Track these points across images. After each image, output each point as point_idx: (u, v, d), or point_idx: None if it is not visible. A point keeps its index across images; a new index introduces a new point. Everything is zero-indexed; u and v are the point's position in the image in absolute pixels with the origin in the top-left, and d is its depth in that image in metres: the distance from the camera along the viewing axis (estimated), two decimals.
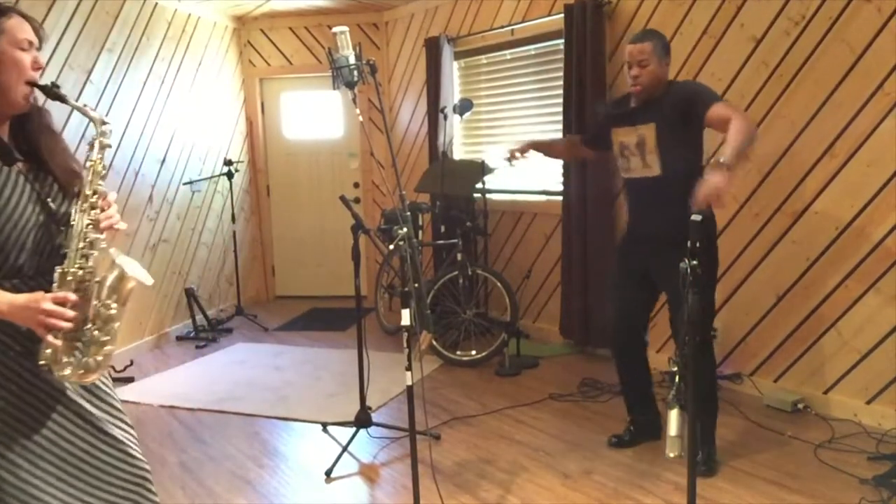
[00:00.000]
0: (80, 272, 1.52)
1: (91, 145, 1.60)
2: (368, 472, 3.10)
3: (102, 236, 1.56)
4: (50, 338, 1.45)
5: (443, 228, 5.02)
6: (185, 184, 5.44)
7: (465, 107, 4.78)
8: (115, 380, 4.14)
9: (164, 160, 5.23)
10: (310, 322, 5.77)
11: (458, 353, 4.51)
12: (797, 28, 3.41)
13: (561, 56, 4.49)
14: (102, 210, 1.57)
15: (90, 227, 1.54)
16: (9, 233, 1.48)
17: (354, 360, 3.45)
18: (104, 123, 1.64)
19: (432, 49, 5.36)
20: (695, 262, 2.04)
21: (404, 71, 6.01)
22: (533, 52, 4.90)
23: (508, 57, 5.08)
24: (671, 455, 2.37)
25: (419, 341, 2.47)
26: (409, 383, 2.38)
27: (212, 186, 5.80)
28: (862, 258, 3.28)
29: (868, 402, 3.31)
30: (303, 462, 3.22)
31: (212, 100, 5.82)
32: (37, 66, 1.55)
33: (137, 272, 1.59)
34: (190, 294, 5.29)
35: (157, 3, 5.12)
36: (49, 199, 1.56)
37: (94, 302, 1.53)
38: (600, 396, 3.81)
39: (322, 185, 6.42)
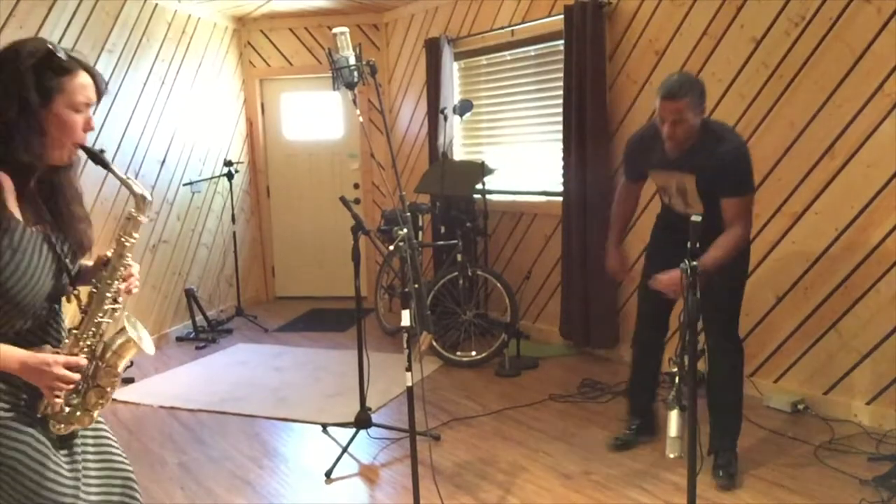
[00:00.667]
0: (94, 339, 1.55)
1: (129, 219, 1.58)
2: (368, 473, 3.10)
3: (120, 306, 1.58)
4: (52, 398, 1.46)
5: (443, 229, 5.02)
6: (185, 184, 5.44)
7: (465, 107, 4.79)
8: None
9: (164, 161, 5.23)
10: (310, 323, 5.77)
11: (458, 353, 4.51)
12: (797, 29, 3.41)
13: (561, 57, 4.49)
14: (125, 280, 1.59)
15: (112, 299, 1.56)
16: (30, 297, 1.46)
17: (354, 360, 3.45)
18: (145, 200, 1.61)
19: (432, 50, 5.36)
20: (694, 263, 2.05)
21: (404, 72, 6.01)
22: (533, 53, 4.91)
23: (508, 58, 5.08)
24: (671, 456, 2.38)
25: (419, 342, 2.47)
26: (409, 384, 2.38)
27: (212, 187, 5.80)
28: (862, 259, 3.28)
29: (868, 403, 3.31)
30: (303, 463, 3.22)
31: (212, 100, 5.82)
32: (88, 128, 1.51)
33: (144, 340, 1.62)
34: (190, 295, 5.28)
35: (157, 4, 5.12)
36: (67, 261, 1.55)
37: (99, 362, 1.56)
38: (600, 397, 3.81)
39: (322, 186, 6.42)
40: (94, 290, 1.57)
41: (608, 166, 4.31)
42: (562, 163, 4.53)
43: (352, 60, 2.71)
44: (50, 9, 4.22)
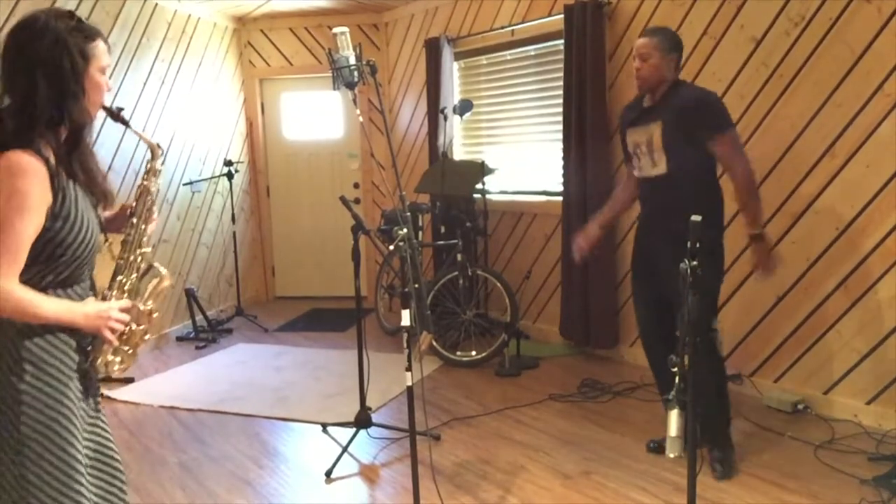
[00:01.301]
0: (134, 281, 1.71)
1: (147, 171, 1.77)
2: (368, 473, 3.10)
3: (149, 249, 1.76)
4: (111, 339, 1.61)
5: (443, 229, 5.02)
6: (185, 184, 5.44)
7: (465, 107, 4.79)
8: (114, 380, 4.14)
9: (163, 160, 5.21)
10: (310, 322, 5.77)
11: (458, 353, 4.51)
12: (797, 29, 3.41)
13: (561, 56, 4.49)
14: (148, 223, 1.77)
15: (142, 243, 1.74)
16: (88, 251, 1.61)
17: (354, 360, 3.45)
18: (159, 148, 1.81)
19: (432, 50, 5.36)
20: (694, 263, 2.04)
21: (404, 71, 6.01)
22: (533, 53, 4.91)
23: (508, 57, 5.08)
24: (671, 455, 2.37)
25: (419, 342, 2.47)
26: (409, 384, 2.38)
27: (212, 187, 5.80)
28: (862, 258, 3.28)
29: (868, 403, 3.31)
30: (303, 463, 3.22)
31: (212, 100, 5.82)
32: (108, 89, 1.65)
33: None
34: (190, 294, 5.28)
35: (157, 4, 5.12)
36: (100, 217, 1.69)
37: (140, 305, 1.72)
38: (600, 397, 3.81)
39: (322, 186, 6.42)
40: (128, 236, 1.73)
41: (608, 166, 4.31)
42: (562, 163, 4.53)
43: (352, 60, 2.71)
44: None
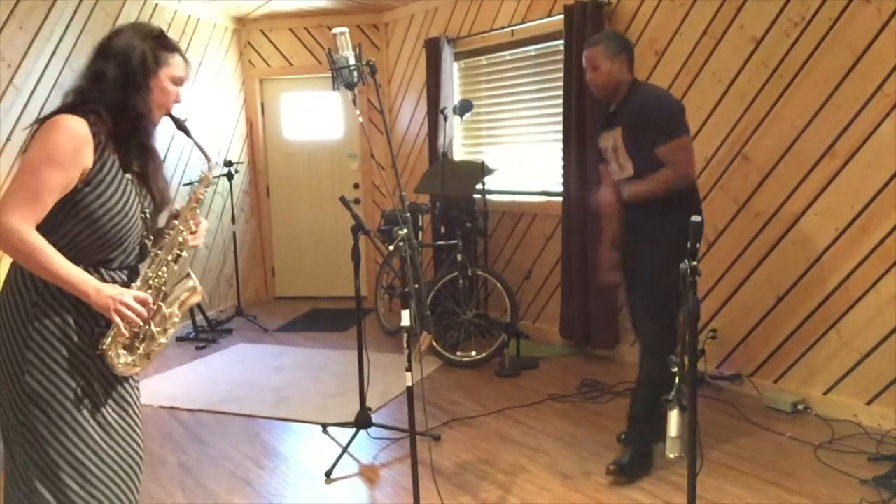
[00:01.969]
0: (161, 279, 1.76)
1: (200, 180, 1.88)
2: (368, 473, 3.10)
3: (186, 255, 1.82)
4: (122, 326, 1.63)
5: (443, 229, 5.02)
6: (185, 185, 5.44)
7: (465, 107, 4.79)
8: None
9: (164, 161, 5.21)
10: (310, 323, 5.77)
11: (458, 353, 4.51)
12: (797, 29, 3.41)
13: (561, 57, 4.49)
14: (193, 232, 1.84)
15: (181, 245, 1.80)
16: (118, 231, 1.67)
17: (354, 360, 3.45)
18: (212, 161, 1.94)
19: (432, 50, 5.36)
20: (694, 263, 2.04)
21: (404, 72, 6.01)
22: (533, 53, 4.91)
23: (508, 58, 5.08)
24: (671, 456, 2.37)
25: (419, 342, 2.47)
26: (409, 384, 2.38)
27: (212, 187, 5.80)
28: (862, 259, 3.28)
29: (868, 403, 3.31)
30: (303, 463, 3.22)
31: (212, 100, 5.82)
32: (177, 101, 1.79)
33: (199, 289, 1.85)
34: None
35: (157, 4, 5.12)
36: (146, 212, 1.77)
37: (163, 307, 1.76)
38: (600, 397, 3.81)
39: (322, 186, 6.42)
40: (167, 236, 1.80)
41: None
42: (562, 163, 4.53)
43: (352, 60, 2.71)
44: (50, 9, 4.22)
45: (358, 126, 6.25)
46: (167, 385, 4.28)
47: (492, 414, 3.65)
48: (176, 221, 1.82)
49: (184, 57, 1.78)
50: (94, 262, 1.66)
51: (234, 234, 5.84)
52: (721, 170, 3.80)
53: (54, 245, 1.58)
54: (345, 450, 3.23)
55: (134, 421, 1.83)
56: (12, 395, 1.63)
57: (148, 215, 1.78)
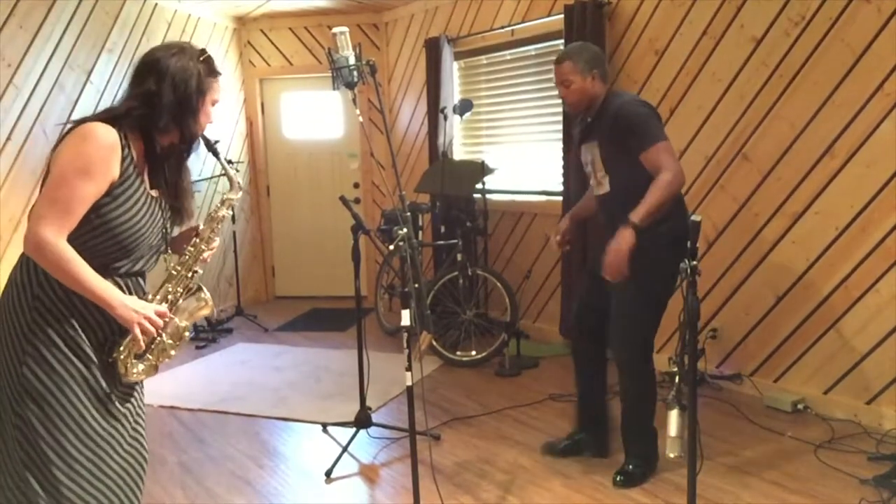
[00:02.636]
0: (177, 294, 1.81)
1: (222, 201, 1.91)
2: (368, 473, 3.10)
3: (201, 272, 1.87)
4: (140, 337, 1.67)
5: (443, 229, 5.02)
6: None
7: (465, 107, 4.78)
8: None
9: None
10: (310, 322, 5.77)
11: (458, 353, 4.51)
12: (797, 28, 3.41)
13: None
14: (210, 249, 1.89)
15: (199, 261, 1.86)
16: (128, 242, 1.69)
17: (354, 360, 3.45)
18: (239, 185, 1.97)
19: (432, 49, 5.36)
20: (694, 263, 2.04)
21: (404, 71, 6.01)
22: (533, 53, 4.91)
23: (508, 57, 5.08)
24: (671, 455, 2.37)
25: (419, 342, 2.47)
26: (409, 384, 2.38)
27: (212, 187, 5.80)
28: (862, 258, 3.28)
29: (868, 403, 3.31)
30: (303, 462, 3.22)
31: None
32: (210, 122, 1.82)
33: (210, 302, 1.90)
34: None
35: (157, 4, 5.12)
36: (167, 228, 1.82)
37: (175, 319, 1.80)
38: None
39: (322, 186, 6.42)
40: (188, 253, 1.85)
41: None
42: (562, 162, 4.53)
43: (352, 60, 2.71)
44: (50, 9, 4.22)
45: (358, 126, 6.24)
46: (167, 385, 4.28)
47: (492, 414, 3.65)
48: (197, 240, 1.87)
49: (220, 77, 1.83)
50: (99, 266, 1.67)
51: (234, 233, 5.84)
52: (721, 169, 3.80)
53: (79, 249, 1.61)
54: (345, 449, 3.23)
55: (137, 421, 1.85)
56: (9, 387, 1.64)
57: (169, 231, 1.83)
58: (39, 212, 1.57)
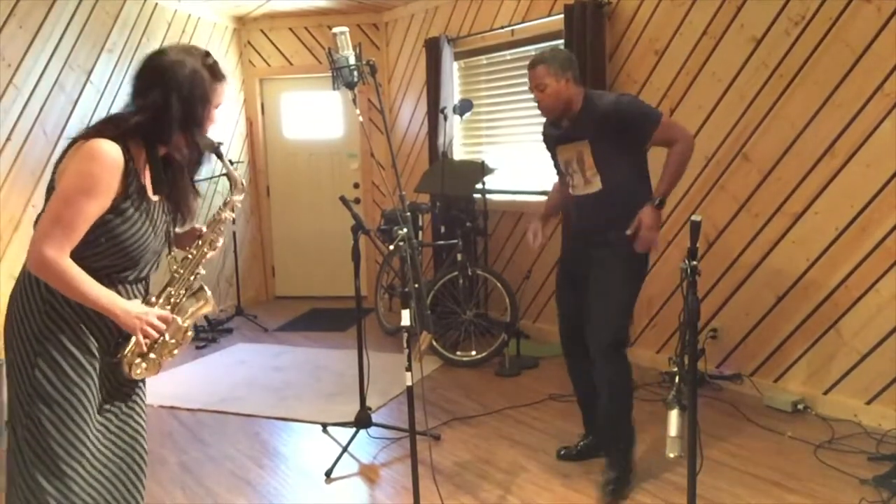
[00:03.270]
0: (180, 296, 1.83)
1: (226, 202, 1.93)
2: (368, 473, 3.10)
3: (204, 272, 1.88)
4: (143, 342, 1.71)
5: (443, 229, 5.02)
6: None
7: (465, 107, 4.78)
8: None
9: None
10: (310, 322, 5.77)
11: (458, 353, 4.51)
12: (797, 28, 3.41)
13: None
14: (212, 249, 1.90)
15: (202, 263, 1.86)
16: (134, 253, 1.71)
17: (354, 360, 3.45)
18: (242, 185, 1.98)
19: (432, 49, 5.36)
20: (694, 263, 2.04)
21: (404, 71, 6.01)
22: (533, 53, 4.88)
23: (508, 57, 5.08)
24: (671, 455, 2.37)
25: (419, 342, 2.47)
26: (409, 384, 2.38)
27: (212, 187, 5.80)
28: (862, 258, 3.28)
29: (868, 403, 3.31)
30: (303, 462, 3.22)
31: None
32: (213, 124, 1.81)
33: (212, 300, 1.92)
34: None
35: (157, 4, 5.12)
36: (171, 231, 1.84)
37: (178, 319, 1.81)
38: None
39: (322, 186, 6.42)
40: (190, 255, 1.86)
41: None
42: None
43: (352, 60, 2.71)
44: (50, 9, 4.22)
45: (358, 126, 6.24)
46: (167, 385, 4.27)
47: (492, 414, 3.65)
48: (200, 242, 1.88)
49: (226, 82, 1.81)
50: (108, 274, 1.69)
51: (234, 233, 5.84)
52: (721, 169, 3.80)
53: (73, 259, 1.61)
54: (345, 449, 3.23)
55: (139, 422, 1.88)
56: (22, 388, 1.66)
57: (173, 234, 1.85)
58: (43, 229, 1.59)
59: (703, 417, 3.08)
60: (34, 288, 1.66)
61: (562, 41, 4.44)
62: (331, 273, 6.38)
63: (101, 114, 4.54)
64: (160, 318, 1.73)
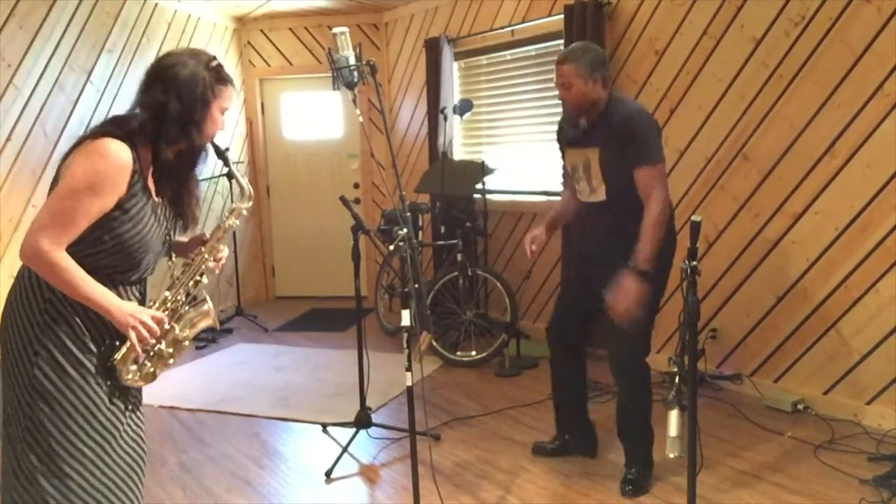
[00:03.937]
0: (178, 302, 1.82)
1: (232, 210, 1.91)
2: (368, 473, 3.10)
3: (206, 281, 1.87)
4: (136, 342, 1.69)
5: (443, 229, 5.02)
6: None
7: (465, 107, 4.78)
8: None
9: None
10: (310, 322, 5.77)
11: (458, 353, 4.51)
12: (797, 28, 3.41)
13: None
14: (216, 259, 1.88)
15: (201, 273, 1.85)
16: (136, 253, 1.71)
17: (354, 360, 3.45)
18: (250, 194, 1.96)
19: (432, 50, 5.36)
20: (694, 263, 2.04)
21: (404, 71, 6.01)
22: (533, 53, 4.91)
23: (508, 57, 5.08)
24: (671, 455, 2.38)
25: (419, 342, 2.47)
26: (409, 384, 2.38)
27: (212, 187, 5.80)
28: (862, 259, 3.28)
29: (868, 403, 3.31)
30: (303, 463, 3.22)
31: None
32: (221, 129, 1.82)
33: (213, 313, 1.89)
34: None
35: (157, 4, 5.12)
36: (171, 234, 1.83)
37: (175, 328, 1.80)
38: (600, 397, 3.80)
39: (322, 186, 6.42)
40: (191, 262, 1.86)
41: None
42: (562, 162, 4.51)
43: (352, 60, 2.71)
44: (50, 9, 4.22)
45: (358, 126, 6.25)
46: (167, 385, 4.27)
47: (492, 414, 3.65)
48: (202, 248, 1.87)
49: (234, 86, 1.82)
50: (109, 274, 1.69)
51: (234, 233, 5.84)
52: (721, 169, 3.80)
53: (75, 255, 1.61)
54: (345, 450, 3.23)
55: (137, 422, 1.87)
56: (21, 388, 1.65)
57: (173, 237, 1.85)
58: (41, 220, 1.58)
59: (703, 417, 3.09)
60: (34, 286, 1.66)
61: (562, 41, 4.45)
62: (331, 273, 6.38)
63: (101, 114, 4.54)
64: (154, 319, 1.72)
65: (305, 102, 6.40)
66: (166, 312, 1.79)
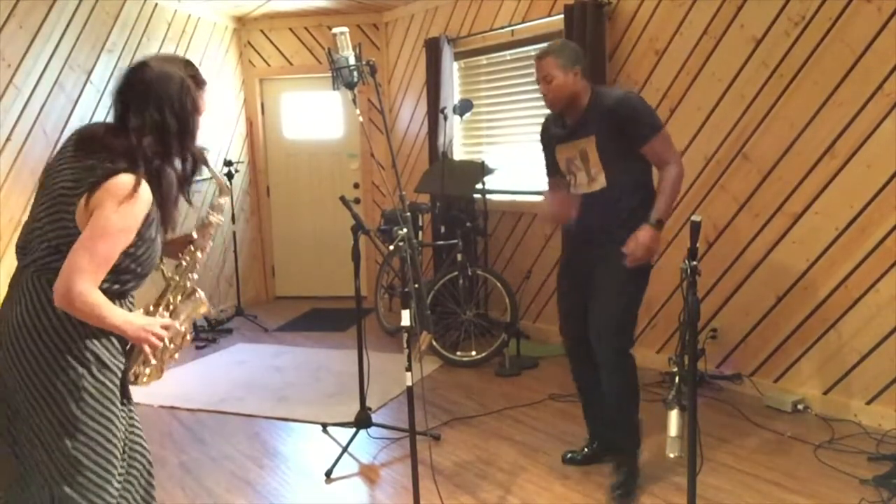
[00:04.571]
0: (178, 303, 1.87)
1: (212, 206, 1.95)
2: (368, 473, 3.10)
3: (197, 277, 1.92)
4: (149, 353, 1.75)
5: (443, 229, 5.02)
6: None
7: (465, 107, 4.78)
8: None
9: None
10: (310, 322, 5.77)
11: (458, 353, 4.51)
12: (797, 28, 3.41)
13: None
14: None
15: (196, 268, 1.91)
16: (151, 268, 1.77)
17: (354, 360, 3.45)
18: (227, 188, 2.02)
19: (432, 50, 5.36)
20: (694, 263, 2.04)
21: (404, 71, 6.01)
22: (533, 53, 4.89)
23: (508, 57, 5.08)
24: (671, 455, 2.37)
25: (419, 342, 2.47)
26: (409, 384, 2.38)
27: (212, 187, 5.80)
28: (862, 259, 3.28)
29: (868, 403, 3.31)
30: (303, 463, 3.22)
31: (212, 100, 5.81)
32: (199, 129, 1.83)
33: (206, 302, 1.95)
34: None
35: (157, 4, 5.12)
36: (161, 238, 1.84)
37: (176, 324, 1.83)
38: None
39: (322, 186, 6.42)
40: (184, 262, 1.90)
41: None
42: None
43: (352, 60, 2.71)
44: (50, 9, 4.22)
45: (358, 126, 6.25)
46: (167, 385, 4.24)
47: (492, 414, 3.65)
48: (193, 248, 1.91)
49: (206, 87, 1.83)
50: (117, 293, 1.71)
51: (234, 233, 5.84)
52: (721, 169, 3.80)
53: (110, 284, 1.65)
54: (345, 449, 3.23)
55: (137, 424, 1.91)
56: (46, 420, 1.63)
57: (164, 241, 1.86)
58: (79, 264, 1.57)
59: (703, 417, 3.09)
60: (45, 303, 1.63)
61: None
62: (331, 273, 6.38)
63: (100, 114, 4.54)
64: (163, 326, 1.76)
65: (305, 102, 6.40)
66: (168, 314, 1.84)
